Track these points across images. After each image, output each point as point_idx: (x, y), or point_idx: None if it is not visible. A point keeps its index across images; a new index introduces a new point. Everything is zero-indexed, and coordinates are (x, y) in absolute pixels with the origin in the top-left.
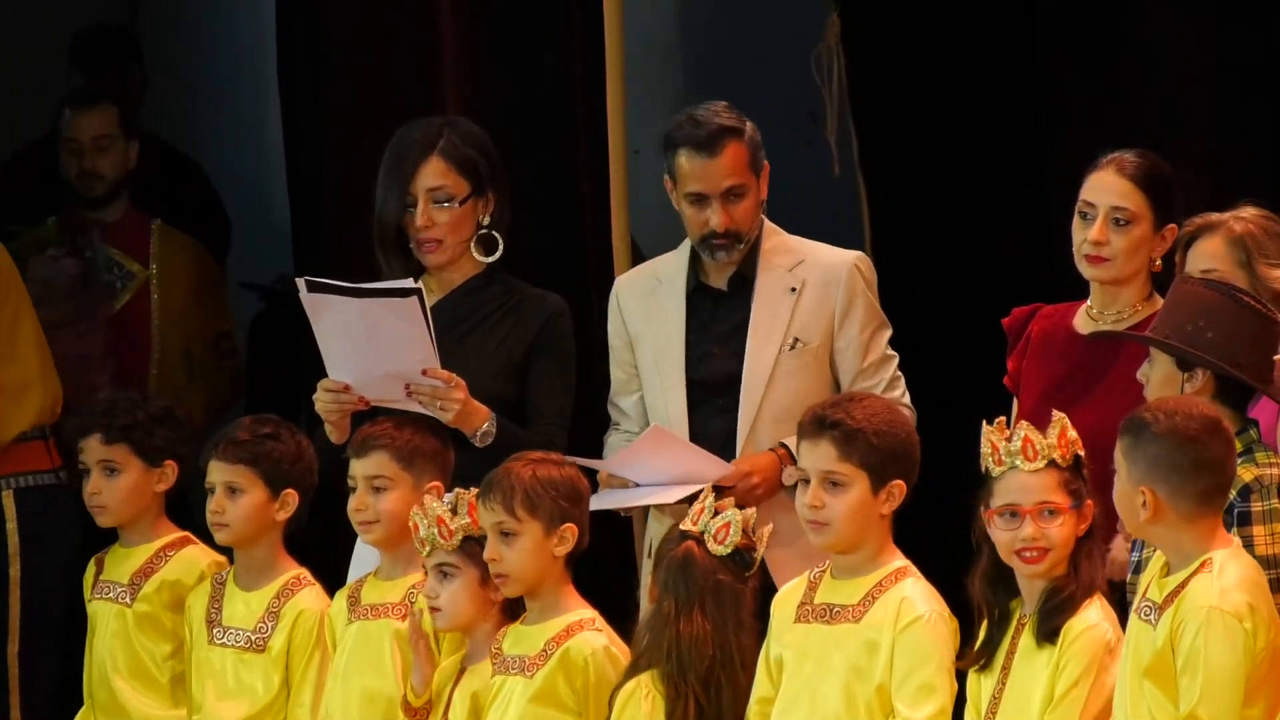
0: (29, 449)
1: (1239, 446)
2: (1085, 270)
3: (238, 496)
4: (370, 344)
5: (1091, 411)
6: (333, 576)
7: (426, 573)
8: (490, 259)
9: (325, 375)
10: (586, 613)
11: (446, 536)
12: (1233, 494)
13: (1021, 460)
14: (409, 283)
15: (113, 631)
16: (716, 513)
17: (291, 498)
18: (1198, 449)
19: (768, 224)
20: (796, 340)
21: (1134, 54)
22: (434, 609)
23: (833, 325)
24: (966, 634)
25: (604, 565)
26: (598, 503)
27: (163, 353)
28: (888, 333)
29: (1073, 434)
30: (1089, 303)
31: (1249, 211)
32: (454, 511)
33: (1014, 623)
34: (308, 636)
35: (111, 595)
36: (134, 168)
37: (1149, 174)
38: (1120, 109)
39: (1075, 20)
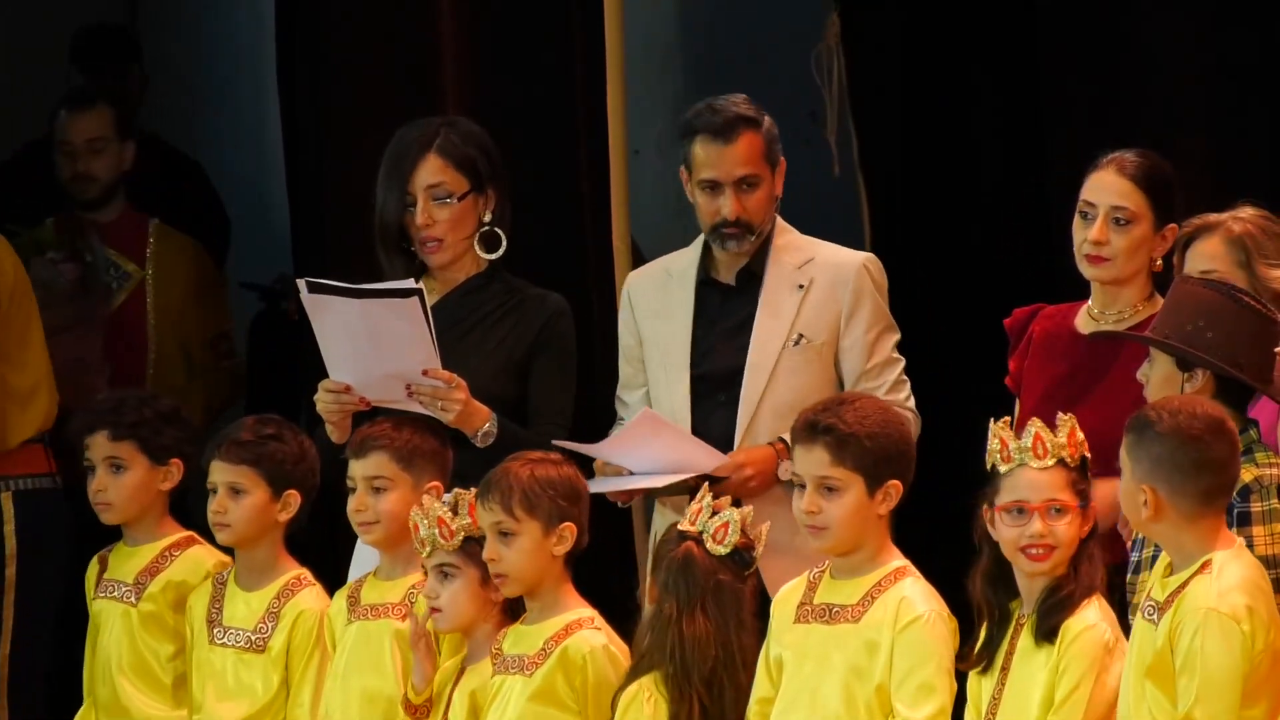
0: (28, 452)
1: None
2: (1086, 270)
3: (240, 497)
4: (371, 345)
5: (1092, 412)
6: (333, 577)
7: (426, 573)
8: (493, 256)
9: (325, 375)
10: (585, 611)
11: (447, 537)
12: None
13: (1031, 457)
14: (410, 283)
15: (117, 630)
16: (714, 512)
17: (294, 498)
18: (1200, 449)
19: (780, 221)
20: (801, 336)
21: (1134, 54)
22: (434, 609)
23: (839, 324)
24: (965, 634)
25: (604, 565)
26: (592, 487)
27: (159, 353)
28: (895, 336)
29: (1081, 435)
30: (1090, 303)
31: (1248, 212)
32: (455, 512)
33: (1013, 623)
34: (308, 637)
35: (116, 594)
36: (129, 169)
37: (1149, 174)
38: (1120, 109)
39: (1075, 20)
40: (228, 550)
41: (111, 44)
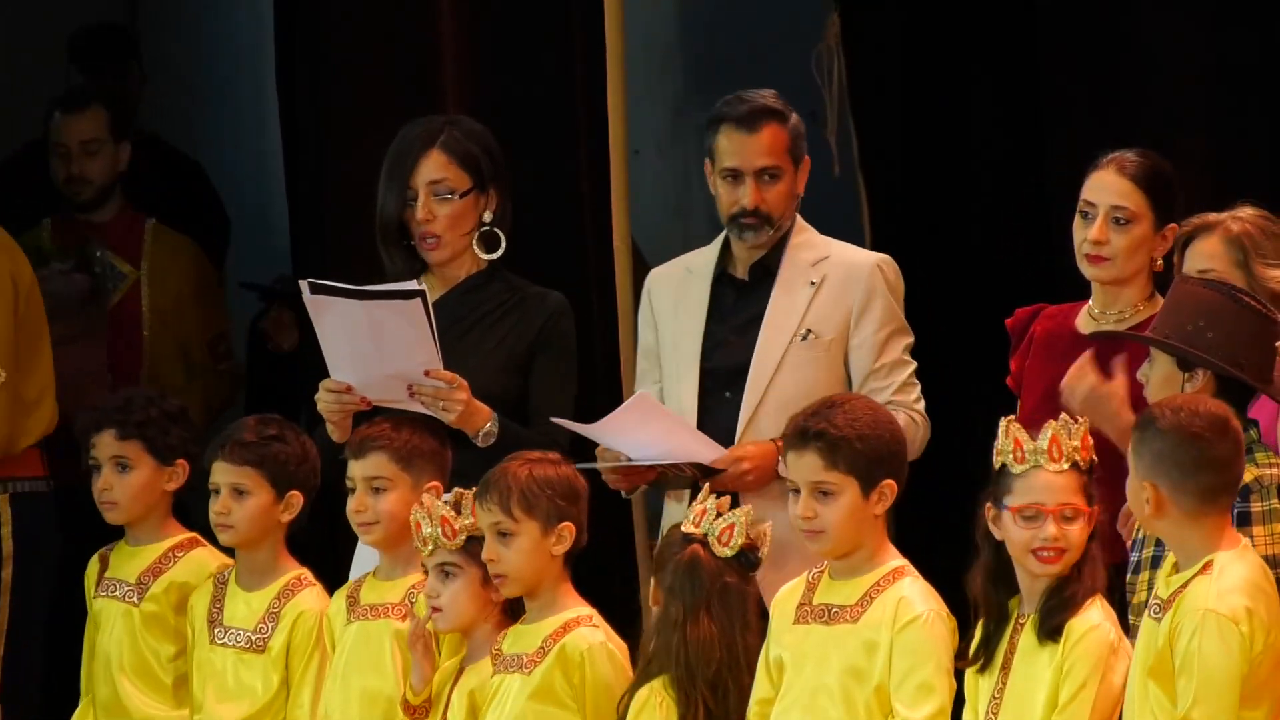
0: (24, 455)
1: None
2: (1086, 270)
3: (243, 498)
4: (373, 345)
5: None
6: (333, 576)
7: (427, 572)
8: (492, 256)
9: (326, 375)
10: (584, 610)
11: (450, 536)
12: None
13: (1047, 460)
14: (412, 284)
15: (118, 630)
16: (718, 514)
17: (296, 499)
18: (1200, 446)
19: (800, 220)
20: (809, 332)
21: (1134, 54)
22: (435, 609)
23: (849, 322)
24: (964, 634)
25: (604, 565)
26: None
27: (154, 354)
28: (907, 339)
29: (1091, 439)
30: (1090, 303)
31: (1247, 211)
32: (457, 511)
33: (1012, 621)
34: (308, 637)
35: (117, 594)
36: (124, 170)
37: (1149, 173)
38: (1120, 109)
39: (1075, 20)
40: (229, 551)
41: (109, 43)
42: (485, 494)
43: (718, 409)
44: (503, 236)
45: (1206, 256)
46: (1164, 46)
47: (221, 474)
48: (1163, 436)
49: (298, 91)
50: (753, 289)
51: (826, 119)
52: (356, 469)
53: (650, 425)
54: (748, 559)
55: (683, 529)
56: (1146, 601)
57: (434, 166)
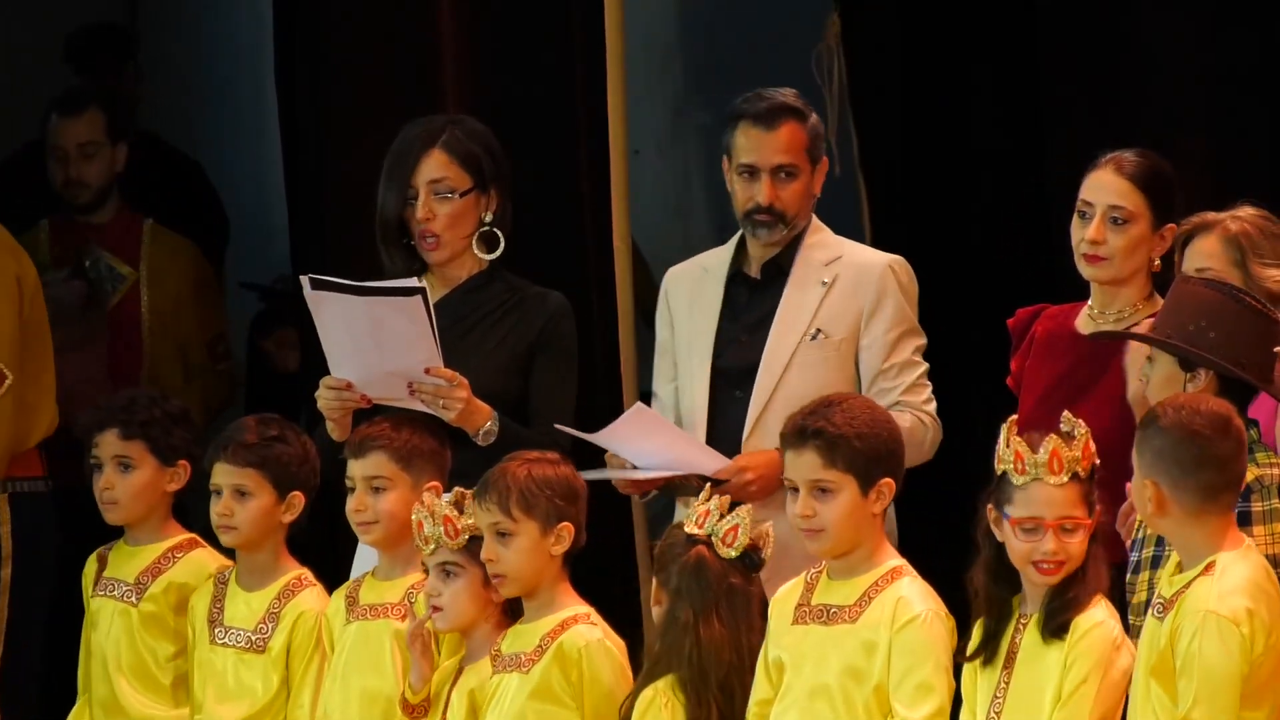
0: (24, 456)
1: None
2: (1084, 270)
3: (246, 500)
4: (373, 342)
5: (1089, 412)
6: (333, 577)
7: (427, 571)
8: (491, 256)
9: (326, 373)
10: (582, 608)
11: (453, 535)
12: None
13: (1047, 473)
14: (413, 282)
15: (115, 630)
16: (721, 515)
17: (298, 500)
18: (1201, 444)
19: (815, 220)
20: (819, 331)
21: (1134, 54)
22: (435, 608)
23: (859, 322)
24: (963, 633)
25: (604, 565)
26: (589, 474)
27: (153, 355)
28: (918, 341)
29: (1093, 446)
30: (1090, 303)
31: (1246, 211)
32: (460, 510)
33: (1014, 618)
34: (308, 637)
35: (115, 593)
36: (121, 171)
37: (1147, 173)
38: (1120, 109)
39: (1075, 20)
40: (229, 552)
41: (106, 43)
42: (484, 494)
43: (729, 408)
44: (502, 237)
45: (1204, 255)
46: (1164, 46)
47: (223, 475)
48: (1164, 434)
49: (298, 91)
50: (765, 288)
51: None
52: (356, 468)
53: (651, 436)
54: (751, 560)
55: (686, 530)
56: (1147, 601)
57: (435, 165)
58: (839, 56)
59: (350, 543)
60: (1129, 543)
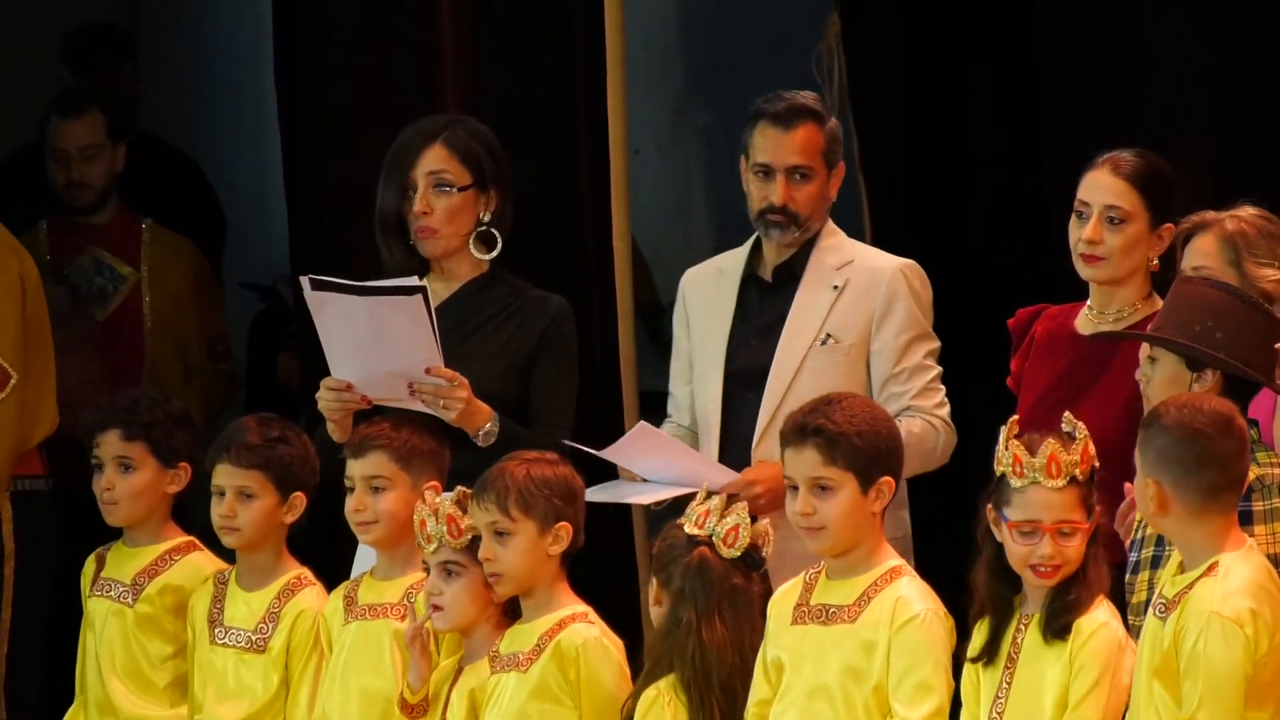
0: (24, 455)
1: None
2: (1081, 270)
3: (250, 501)
4: (374, 342)
5: (1086, 412)
6: (334, 577)
7: (428, 570)
8: (488, 256)
9: (327, 374)
10: (579, 607)
11: (456, 535)
12: None
13: (1045, 477)
14: (414, 281)
15: (110, 630)
16: (722, 515)
17: (300, 500)
18: (1203, 442)
19: (830, 224)
20: (829, 336)
21: (1134, 54)
22: (436, 607)
23: (870, 327)
24: (962, 633)
25: (604, 566)
26: (593, 495)
27: (155, 355)
28: (930, 344)
29: (1093, 449)
30: (1089, 303)
31: (1247, 211)
32: (463, 509)
33: (1015, 618)
34: (307, 636)
35: (112, 594)
36: (120, 170)
37: (1144, 173)
38: (1120, 109)
39: (1075, 20)
40: (227, 555)
41: (103, 43)
42: (482, 493)
43: (742, 411)
44: (500, 237)
45: (1201, 253)
46: (1164, 46)
47: (227, 477)
48: (1166, 433)
49: (298, 91)
50: (777, 291)
51: None
52: (356, 468)
53: (656, 451)
54: (752, 559)
55: (686, 530)
56: (1147, 601)
57: (435, 159)
58: (839, 56)
59: (350, 543)
60: (1128, 542)
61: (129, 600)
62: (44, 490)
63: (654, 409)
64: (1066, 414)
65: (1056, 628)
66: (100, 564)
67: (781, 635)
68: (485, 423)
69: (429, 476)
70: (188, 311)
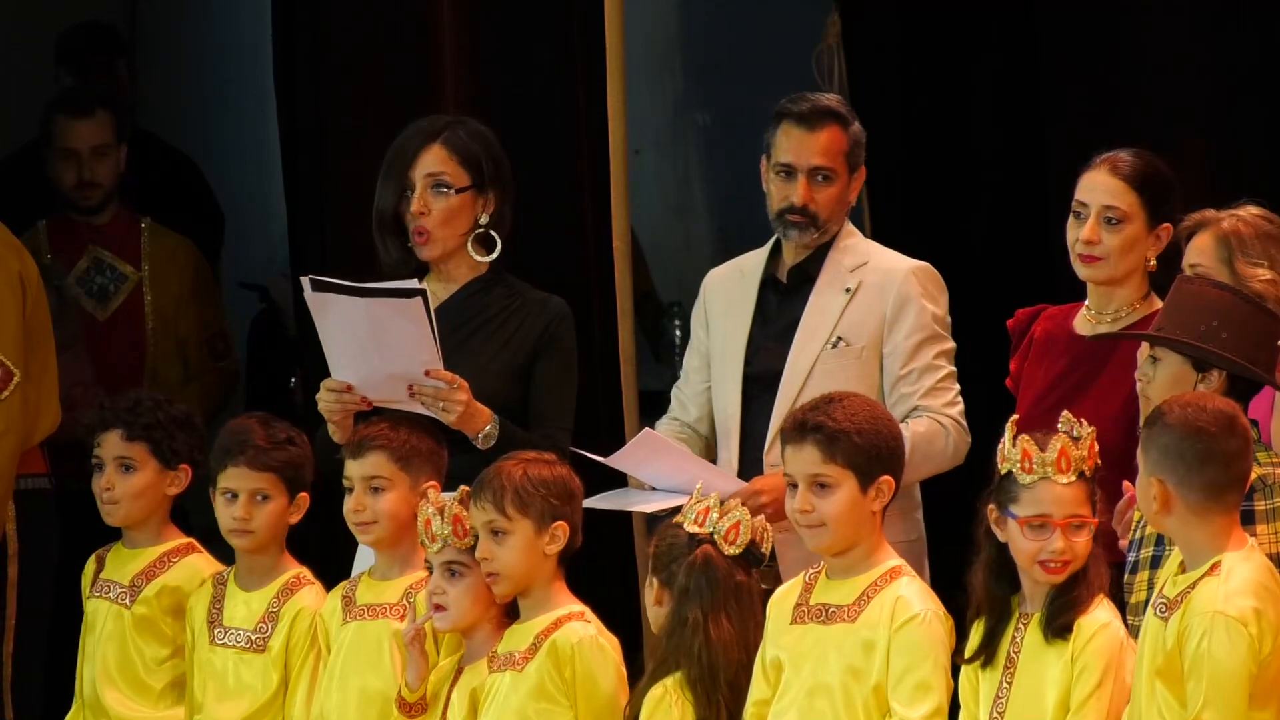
0: (27, 453)
1: None
2: (1079, 270)
3: (264, 503)
4: (374, 344)
5: (1087, 412)
6: (334, 577)
7: (431, 570)
8: (487, 259)
9: (327, 375)
10: (576, 606)
11: (461, 535)
12: None
13: (1055, 472)
14: (414, 283)
15: (108, 632)
16: (721, 513)
17: (304, 500)
18: (1206, 441)
19: (848, 225)
20: (840, 339)
21: (1134, 54)
22: (438, 607)
23: (882, 330)
24: (960, 634)
25: (604, 566)
26: (597, 502)
27: (156, 354)
28: (941, 345)
29: (1096, 445)
30: (1087, 303)
31: (1248, 210)
32: (468, 510)
33: (1014, 618)
34: (306, 635)
35: (110, 595)
36: (124, 170)
37: (1142, 173)
38: (1120, 109)
39: (1075, 20)
40: (225, 557)
41: (97, 43)
42: (480, 492)
43: (759, 414)
44: (498, 240)
45: (1197, 251)
46: (1164, 46)
47: (241, 480)
48: (1169, 431)
49: (298, 91)
50: (793, 294)
51: None
52: (355, 469)
53: (661, 458)
54: (753, 556)
55: (686, 528)
56: (1147, 601)
57: (433, 160)
58: (839, 56)
59: (351, 542)
60: (1125, 541)
61: (127, 602)
62: (47, 489)
63: (654, 409)
64: (1065, 413)
65: (1058, 627)
66: (100, 565)
67: (781, 635)
68: (485, 425)
69: (428, 477)
70: (188, 310)
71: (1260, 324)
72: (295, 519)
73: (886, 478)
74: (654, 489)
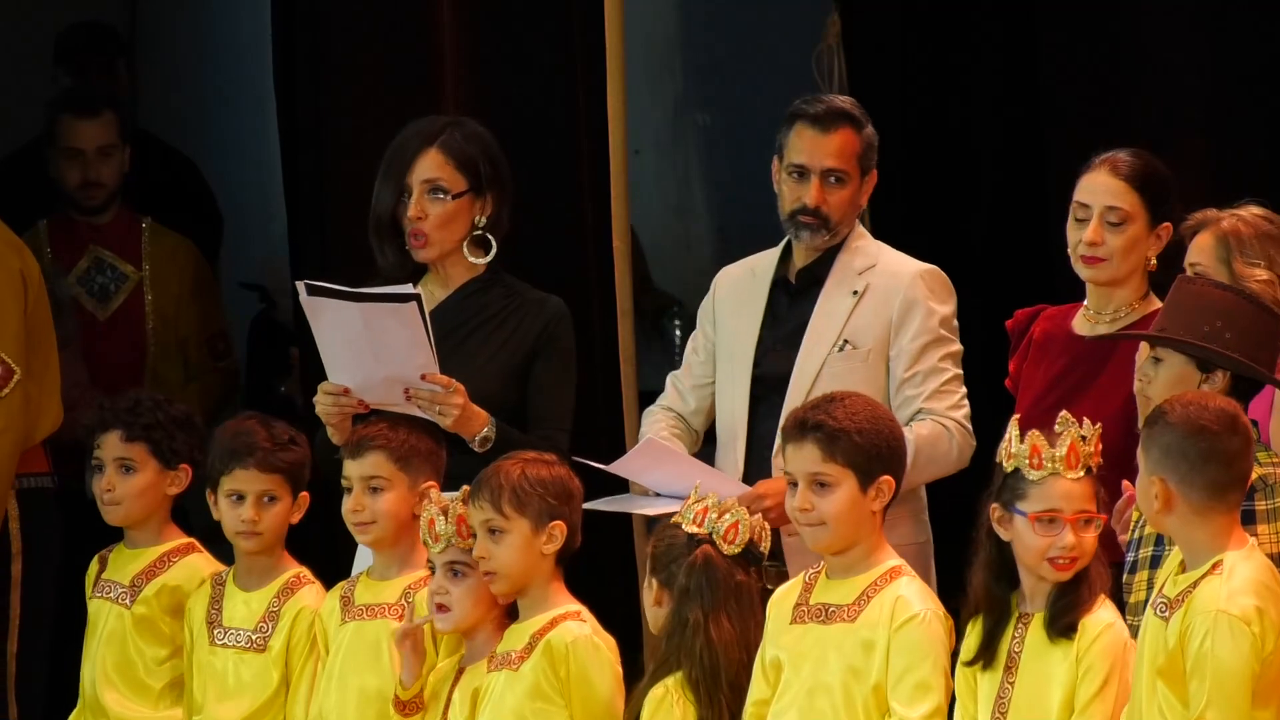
0: (30, 452)
1: None
2: (1081, 271)
3: (272, 505)
4: (370, 348)
5: (1086, 412)
6: (334, 577)
7: (433, 569)
8: (483, 261)
9: (325, 377)
10: (573, 606)
11: (464, 535)
12: None
13: (1065, 467)
14: (408, 288)
15: (108, 632)
16: (720, 513)
17: (305, 500)
18: (1209, 439)
19: (859, 228)
20: (846, 343)
21: (1134, 54)
22: (440, 606)
23: (889, 333)
24: (957, 633)
25: (604, 566)
26: (599, 505)
27: (157, 354)
28: (947, 348)
29: (1100, 444)
30: (1085, 303)
31: (1250, 210)
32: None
33: (1013, 618)
34: (307, 634)
35: (112, 595)
36: (127, 170)
37: (1143, 173)
38: (1120, 109)
39: (1075, 20)
40: (225, 557)
41: (95, 43)
42: (478, 491)
43: (767, 416)
44: (494, 242)
45: (1198, 250)
46: (1164, 46)
47: (250, 482)
48: (1172, 430)
49: (297, 91)
50: (802, 296)
51: None
52: (354, 468)
53: (664, 465)
54: (752, 555)
55: (685, 529)
56: (1146, 600)
57: (430, 165)
58: (839, 56)
59: (350, 542)
60: (1124, 539)
61: (127, 602)
62: (49, 488)
63: None
64: (1064, 413)
65: (1062, 626)
66: (102, 566)
67: (781, 635)
68: (482, 428)
69: (426, 477)
70: (188, 310)
71: (1263, 324)
72: (296, 519)
73: (887, 478)
74: (657, 494)
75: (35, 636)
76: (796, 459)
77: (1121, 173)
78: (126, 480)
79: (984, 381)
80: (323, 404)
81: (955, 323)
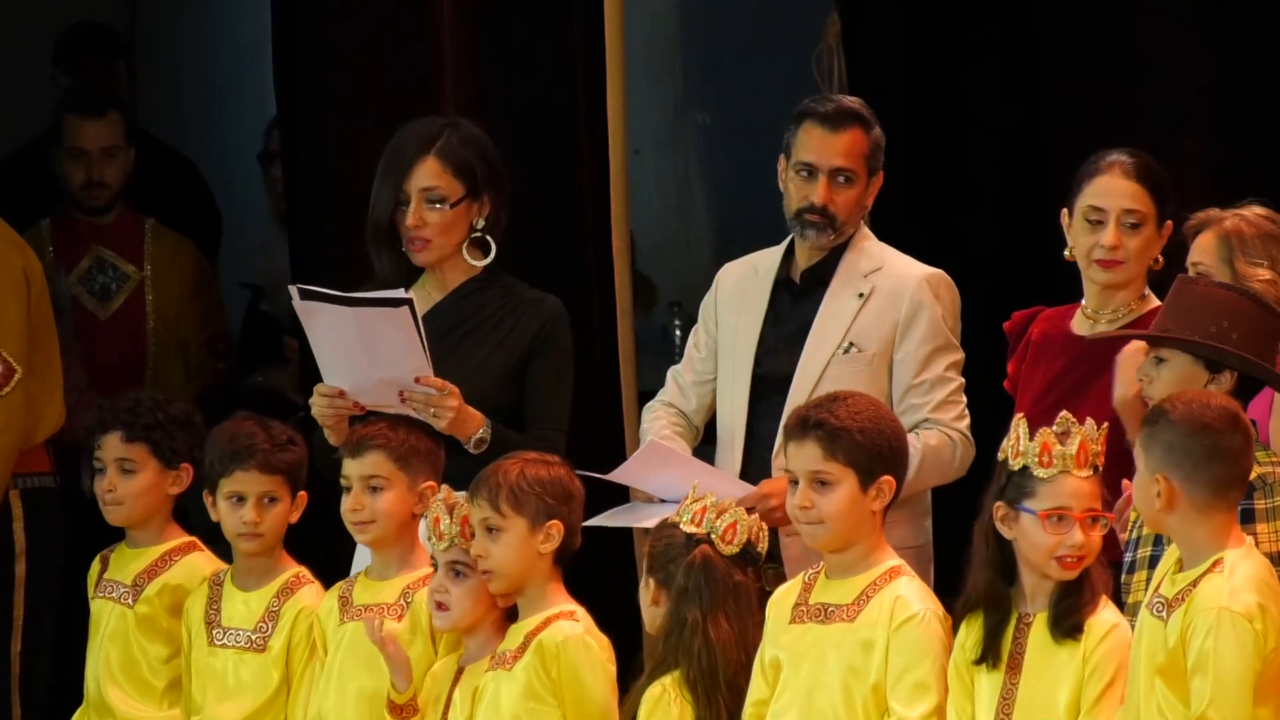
0: (32, 451)
1: None
2: (1096, 275)
3: (273, 506)
4: (364, 351)
5: (1085, 412)
6: (333, 577)
7: (436, 568)
8: (482, 263)
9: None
10: (568, 606)
11: (468, 536)
12: None
13: (1074, 465)
14: (400, 293)
15: (111, 632)
16: (718, 513)
17: (303, 500)
18: (1212, 437)
19: (864, 229)
20: (851, 345)
21: (1134, 54)
22: (440, 605)
23: (894, 336)
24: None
25: (604, 566)
26: (603, 520)
27: (158, 353)
28: (952, 356)
29: (1105, 443)
30: (1084, 304)
31: (1253, 210)
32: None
33: (1014, 619)
34: (307, 634)
35: (114, 595)
36: (131, 171)
37: (1152, 174)
38: (1120, 109)
39: (1075, 20)
40: (226, 557)
41: (94, 43)
42: (477, 490)
43: (768, 416)
44: (493, 243)
45: (1200, 250)
46: (1164, 46)
47: (252, 484)
48: (1174, 428)
49: (298, 91)
50: (805, 296)
51: None
52: (353, 468)
53: (667, 467)
54: (750, 555)
55: (683, 528)
56: (1145, 601)
57: (428, 173)
58: (839, 56)
59: (349, 542)
60: (1123, 537)
61: (129, 601)
62: (52, 487)
63: None
64: (1063, 413)
65: (1068, 627)
66: (104, 565)
67: (780, 634)
68: (477, 430)
69: (425, 476)
70: (189, 310)
71: (1267, 324)
72: (295, 518)
73: (887, 478)
74: (661, 500)
75: (38, 636)
76: (798, 457)
77: (1134, 175)
78: (127, 481)
79: (983, 384)
80: (318, 406)
81: (959, 328)
